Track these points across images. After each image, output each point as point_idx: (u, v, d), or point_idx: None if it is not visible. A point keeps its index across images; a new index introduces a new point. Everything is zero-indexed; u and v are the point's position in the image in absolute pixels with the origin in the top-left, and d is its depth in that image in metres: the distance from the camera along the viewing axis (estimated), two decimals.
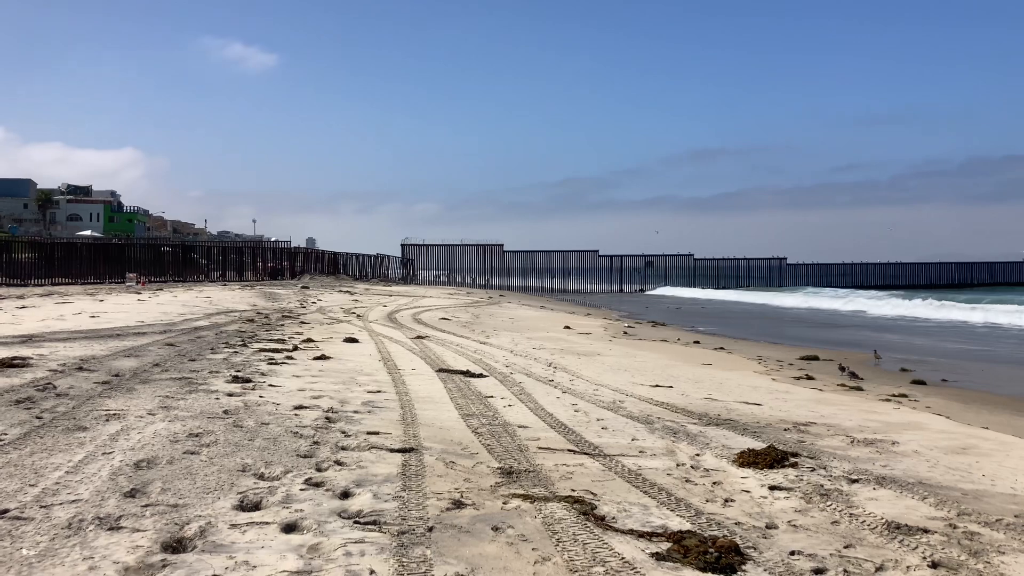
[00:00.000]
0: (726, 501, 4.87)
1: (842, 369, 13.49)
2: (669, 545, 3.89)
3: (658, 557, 3.75)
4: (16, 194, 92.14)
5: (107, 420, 6.13)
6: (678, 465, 5.77)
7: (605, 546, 3.85)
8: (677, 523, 4.29)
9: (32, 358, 9.29)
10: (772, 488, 5.20)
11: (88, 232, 75.38)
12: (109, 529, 3.71)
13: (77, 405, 6.68)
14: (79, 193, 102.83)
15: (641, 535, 4.06)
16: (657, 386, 10.22)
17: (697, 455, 6.12)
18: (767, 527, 4.38)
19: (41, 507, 3.96)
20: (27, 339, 11.77)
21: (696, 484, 5.26)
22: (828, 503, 4.89)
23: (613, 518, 4.33)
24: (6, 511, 3.85)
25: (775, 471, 5.65)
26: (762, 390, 10.63)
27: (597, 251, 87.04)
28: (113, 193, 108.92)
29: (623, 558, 3.70)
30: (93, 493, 4.24)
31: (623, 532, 4.09)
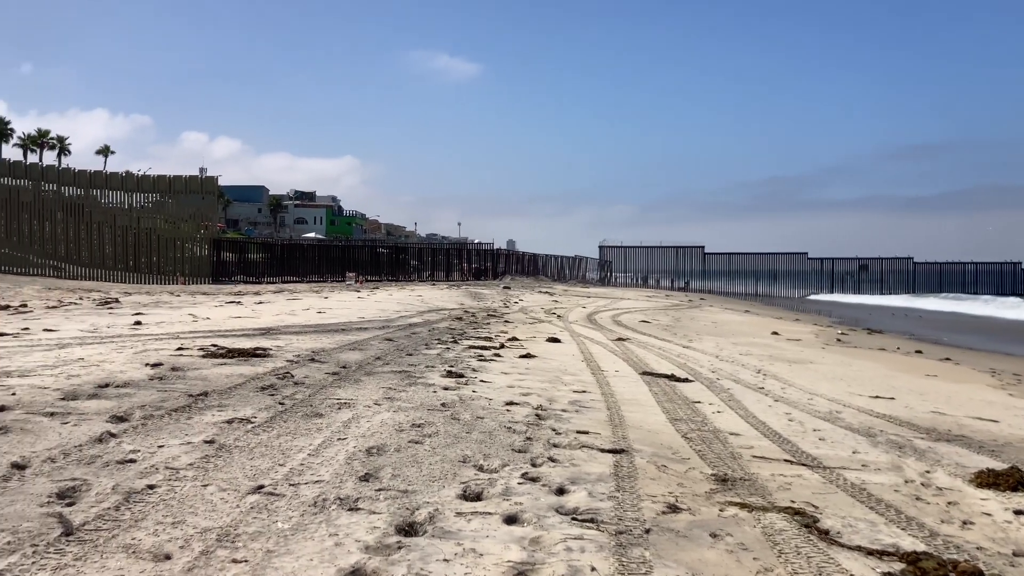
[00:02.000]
0: (964, 523, 4.52)
1: None
2: (903, 566, 3.67)
3: None
4: (252, 199, 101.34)
5: (339, 408, 6.62)
6: (906, 482, 5.41)
7: (831, 561, 3.70)
8: (910, 543, 4.04)
9: (271, 349, 10.20)
10: (1018, 512, 4.76)
11: (312, 234, 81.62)
12: (349, 510, 4.01)
13: (312, 393, 7.27)
14: (304, 198, 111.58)
15: (870, 553, 3.85)
16: (877, 397, 9.63)
17: (927, 472, 5.72)
18: (1014, 555, 4.02)
19: (290, 485, 4.35)
20: (266, 331, 12.94)
21: (928, 503, 4.92)
22: None
23: (838, 533, 4.14)
24: (262, 487, 4.27)
25: (1020, 494, 5.17)
26: (997, 405, 9.74)
27: (806, 253, 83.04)
28: (334, 198, 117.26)
29: (851, 575, 3.53)
30: (333, 475, 4.61)
31: (849, 548, 3.91)
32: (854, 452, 6.29)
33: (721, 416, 7.59)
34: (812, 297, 72.14)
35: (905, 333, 26.49)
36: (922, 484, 5.37)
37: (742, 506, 4.48)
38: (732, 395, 9.02)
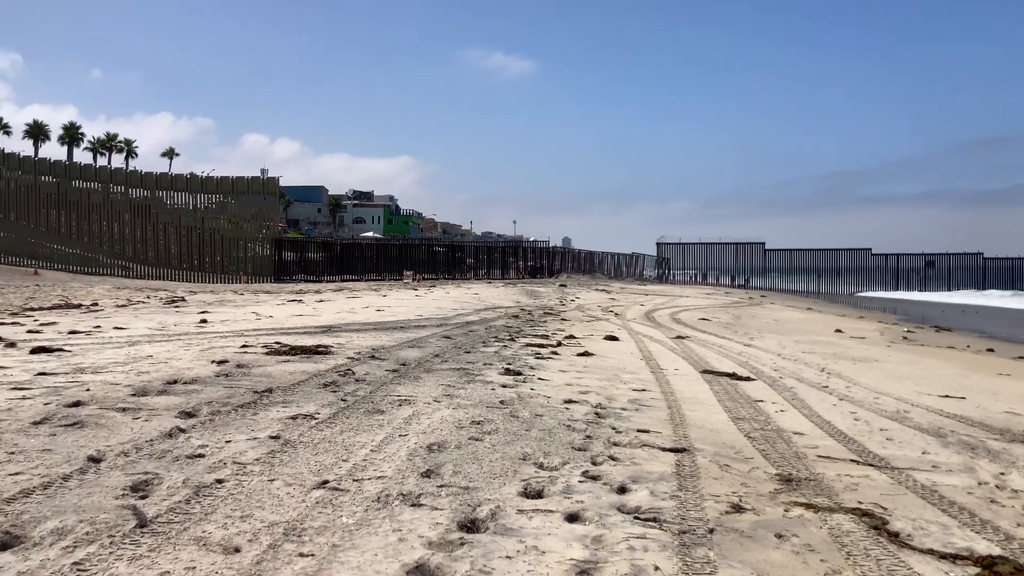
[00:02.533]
0: None
1: None
2: (977, 571, 3.56)
3: None
4: (311, 200, 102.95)
5: (400, 405, 6.69)
6: (980, 484, 5.25)
7: (901, 564, 3.60)
8: (984, 547, 3.91)
9: (332, 347, 10.35)
10: None
11: (370, 233, 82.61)
12: (411, 505, 4.05)
13: (373, 390, 7.36)
14: (363, 198, 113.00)
15: (943, 556, 3.74)
16: (947, 396, 9.35)
17: (1002, 474, 5.53)
18: None
19: (354, 481, 4.41)
20: (327, 329, 13.15)
21: (1003, 506, 4.76)
22: None
23: (908, 535, 4.03)
24: (326, 482, 4.34)
25: None
26: None
27: (870, 249, 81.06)
28: (391, 198, 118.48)
29: None
30: (395, 471, 4.65)
31: (921, 551, 3.80)
32: (924, 453, 6.13)
33: (784, 415, 7.46)
34: (876, 294, 70.37)
35: (975, 331, 25.70)
36: (997, 486, 5.21)
37: (808, 507, 4.40)
38: (795, 394, 8.86)
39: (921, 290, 74.14)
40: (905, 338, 20.26)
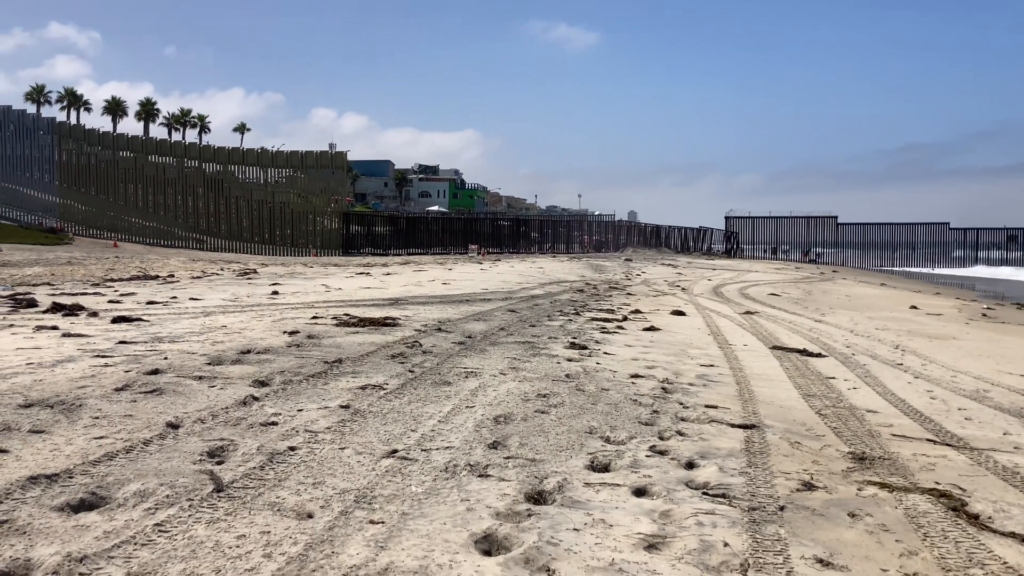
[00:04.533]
0: None
1: None
2: None
3: None
4: (378, 174, 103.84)
5: (466, 377, 6.74)
6: None
7: (981, 546, 3.49)
8: None
9: (400, 319, 10.48)
10: None
11: (436, 208, 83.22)
12: (479, 476, 4.08)
13: (440, 362, 7.43)
14: (428, 172, 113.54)
15: None
16: None
17: None
18: None
19: (422, 450, 4.47)
20: (394, 302, 13.32)
21: None
22: None
23: (989, 517, 3.90)
24: (395, 451, 4.40)
25: None
26: None
27: (948, 224, 78.27)
28: (456, 172, 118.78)
29: (1006, 563, 3.33)
30: (462, 442, 4.70)
31: (1003, 534, 3.68)
32: (1005, 433, 5.92)
33: (857, 392, 7.29)
34: (954, 270, 67.96)
35: None
36: None
37: (882, 486, 4.30)
38: (868, 371, 8.64)
39: (1003, 266, 71.33)
40: (984, 315, 19.54)
